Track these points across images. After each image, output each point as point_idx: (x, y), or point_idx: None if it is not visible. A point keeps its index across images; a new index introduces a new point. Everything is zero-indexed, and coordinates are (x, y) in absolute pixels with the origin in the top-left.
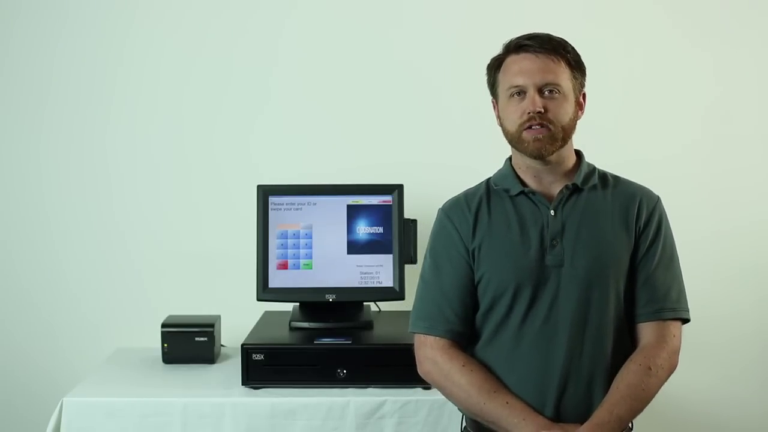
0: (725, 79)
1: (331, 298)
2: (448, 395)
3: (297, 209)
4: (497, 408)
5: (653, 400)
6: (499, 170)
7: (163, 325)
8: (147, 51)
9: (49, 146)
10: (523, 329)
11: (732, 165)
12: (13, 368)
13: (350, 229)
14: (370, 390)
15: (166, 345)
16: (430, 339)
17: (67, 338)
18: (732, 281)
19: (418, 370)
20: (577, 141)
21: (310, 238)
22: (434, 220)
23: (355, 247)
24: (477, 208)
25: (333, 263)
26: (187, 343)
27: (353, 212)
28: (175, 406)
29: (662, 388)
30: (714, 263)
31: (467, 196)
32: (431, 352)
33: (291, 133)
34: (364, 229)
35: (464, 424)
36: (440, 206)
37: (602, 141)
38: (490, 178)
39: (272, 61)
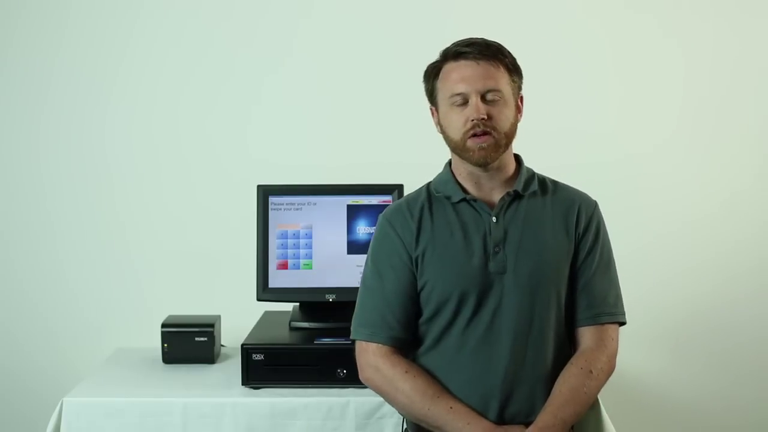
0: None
1: (331, 298)
2: (392, 401)
3: (297, 209)
4: (441, 413)
5: (657, 403)
6: (439, 175)
7: (163, 325)
8: (146, 51)
9: (48, 146)
10: (467, 335)
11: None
12: (13, 368)
13: (350, 229)
14: (370, 390)
15: (166, 345)
16: (372, 346)
17: (67, 338)
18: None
19: (360, 377)
20: (560, 141)
21: (310, 238)
22: (376, 227)
23: (355, 247)
24: (420, 216)
25: (333, 263)
26: (187, 343)
27: (353, 212)
28: (175, 406)
29: (664, 390)
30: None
31: (409, 202)
32: (373, 359)
33: (291, 133)
34: (364, 229)
35: (405, 426)
36: (381, 213)
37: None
38: (430, 183)
39: (273, 61)
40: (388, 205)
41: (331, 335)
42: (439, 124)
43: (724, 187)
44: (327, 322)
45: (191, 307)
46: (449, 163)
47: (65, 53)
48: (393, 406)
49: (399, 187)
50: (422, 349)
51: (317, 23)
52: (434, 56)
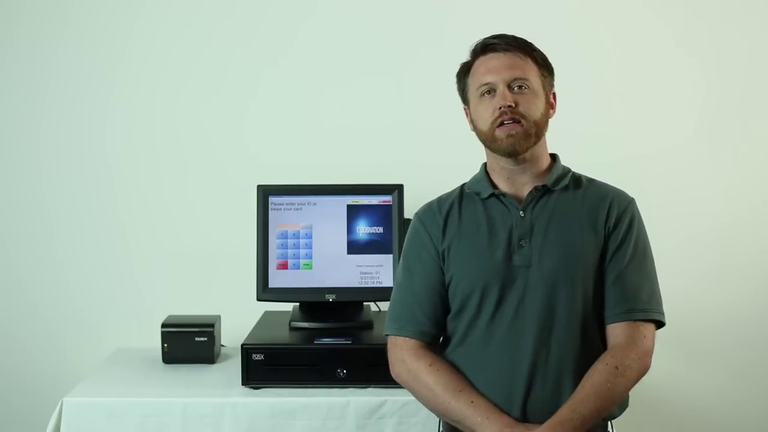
0: (715, 76)
1: (331, 298)
2: (416, 395)
3: (297, 209)
4: (462, 407)
5: (668, 409)
6: (474, 175)
7: (163, 325)
8: (146, 51)
9: (48, 146)
10: (491, 329)
11: (727, 159)
12: (13, 368)
13: (350, 229)
14: (370, 390)
15: (166, 345)
16: (401, 340)
17: (67, 338)
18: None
19: (391, 372)
20: (571, 139)
21: (310, 238)
22: (409, 227)
23: (355, 247)
24: (448, 211)
25: (333, 263)
26: (187, 343)
27: (353, 212)
28: (175, 406)
29: (674, 396)
30: (713, 259)
31: (440, 200)
32: (400, 353)
33: (291, 133)
34: (364, 229)
35: (441, 428)
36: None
37: (596, 138)
38: (465, 183)
39: (272, 60)
40: (388, 205)
41: (331, 335)
42: (471, 121)
43: (749, 191)
44: (327, 322)
45: (191, 307)
46: (485, 163)
47: (65, 53)
48: (418, 400)
49: (399, 187)
50: (451, 345)
51: (317, 23)
52: (435, 55)
